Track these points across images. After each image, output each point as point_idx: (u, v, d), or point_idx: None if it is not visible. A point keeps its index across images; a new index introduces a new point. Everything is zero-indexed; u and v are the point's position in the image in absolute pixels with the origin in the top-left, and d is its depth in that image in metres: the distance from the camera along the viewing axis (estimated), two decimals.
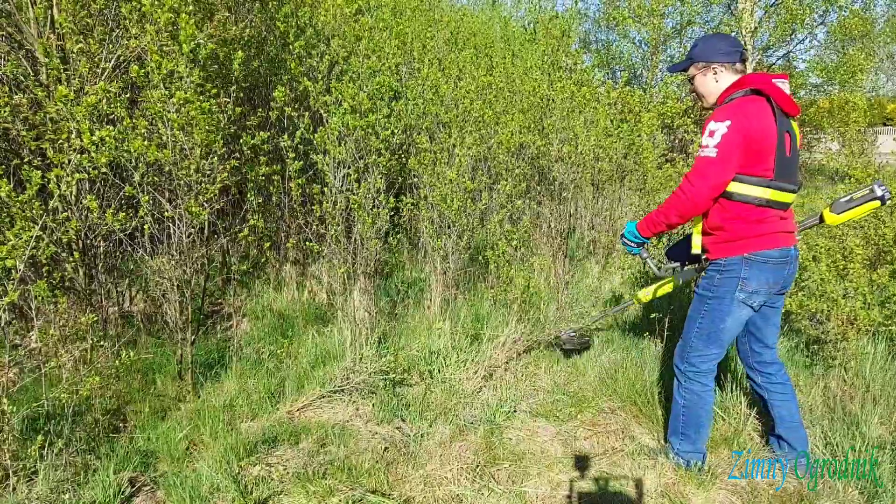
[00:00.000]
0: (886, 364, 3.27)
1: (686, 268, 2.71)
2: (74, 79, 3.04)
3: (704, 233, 2.36)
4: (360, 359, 3.26)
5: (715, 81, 2.36)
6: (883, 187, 2.37)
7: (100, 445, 2.54)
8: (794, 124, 2.33)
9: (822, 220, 2.51)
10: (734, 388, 3.03)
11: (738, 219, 2.24)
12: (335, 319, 3.74)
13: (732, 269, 2.28)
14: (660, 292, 2.94)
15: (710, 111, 2.33)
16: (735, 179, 2.19)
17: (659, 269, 2.78)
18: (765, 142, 2.16)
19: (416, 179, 4.50)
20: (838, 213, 2.44)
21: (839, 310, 3.24)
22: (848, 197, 2.44)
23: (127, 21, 3.10)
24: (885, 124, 18.96)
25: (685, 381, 2.46)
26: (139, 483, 2.40)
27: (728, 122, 2.14)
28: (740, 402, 2.90)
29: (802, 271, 3.52)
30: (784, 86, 2.23)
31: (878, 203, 2.39)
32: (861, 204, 2.40)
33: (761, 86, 2.22)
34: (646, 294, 2.98)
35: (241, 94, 4.44)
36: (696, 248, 2.40)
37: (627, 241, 2.61)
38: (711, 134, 2.17)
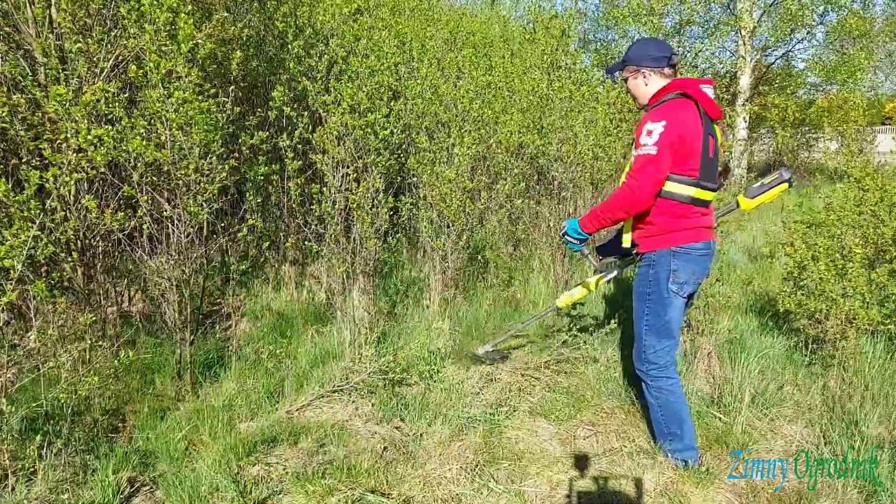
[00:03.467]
0: (885, 363, 3.27)
1: (619, 262, 2.88)
2: (73, 78, 3.04)
3: (634, 227, 2.51)
4: (360, 358, 3.26)
5: (645, 84, 2.51)
6: (789, 172, 2.59)
7: (99, 445, 2.54)
8: (717, 128, 2.48)
9: (738, 205, 2.69)
10: (726, 385, 3.03)
11: (665, 214, 2.39)
12: (334, 319, 3.74)
13: (662, 261, 2.42)
14: (576, 299, 3.08)
15: (644, 111, 2.51)
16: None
17: (599, 263, 2.90)
18: (693, 143, 2.31)
19: (415, 179, 4.50)
20: (752, 198, 2.62)
21: (838, 309, 3.24)
22: (759, 183, 2.62)
23: (125, 21, 3.09)
24: (883, 123, 18.97)
25: (651, 381, 2.53)
26: (138, 483, 2.40)
27: (664, 122, 2.28)
28: (736, 400, 2.90)
29: (801, 271, 3.52)
30: (709, 90, 2.40)
31: (786, 185, 2.59)
32: (772, 188, 2.60)
33: (689, 90, 2.37)
34: (565, 300, 3.09)
35: (240, 94, 4.43)
36: (626, 243, 2.55)
37: (570, 239, 2.68)
38: (649, 133, 2.30)
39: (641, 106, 2.57)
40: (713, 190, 2.42)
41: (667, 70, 2.47)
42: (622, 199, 2.37)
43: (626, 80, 2.58)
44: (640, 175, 2.31)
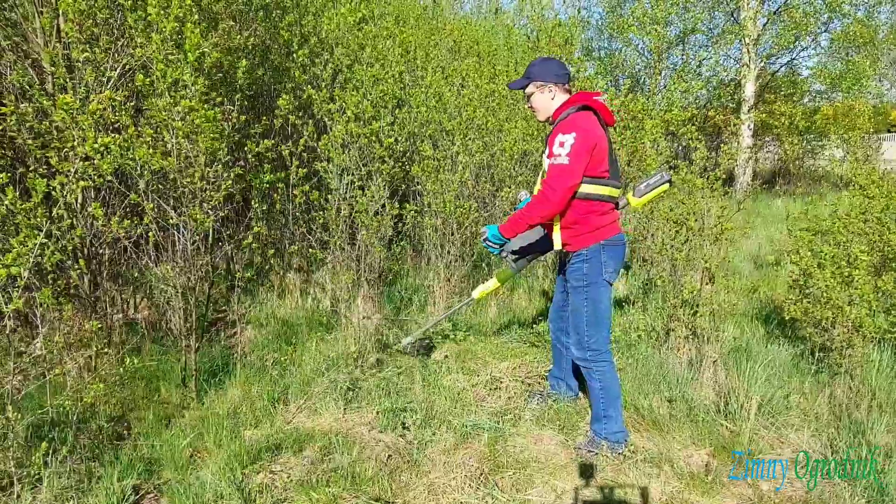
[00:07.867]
0: (892, 371, 3.25)
1: (529, 257, 3.06)
2: (80, 87, 3.07)
3: (564, 228, 2.67)
4: (365, 366, 3.26)
5: (551, 99, 2.72)
6: (669, 174, 2.80)
7: (104, 453, 2.54)
8: (609, 131, 2.72)
9: (628, 202, 2.86)
10: (732, 393, 3.02)
11: (590, 213, 2.61)
12: (339, 326, 3.74)
13: (594, 256, 2.64)
14: (490, 290, 3.22)
15: (552, 125, 2.67)
16: (583, 181, 2.54)
17: (515, 263, 3.04)
18: (601, 147, 2.55)
19: (419, 186, 4.51)
20: (639, 197, 2.81)
21: (844, 317, 3.22)
22: (645, 183, 2.81)
23: (132, 30, 3.13)
24: (889, 131, 18.89)
25: (594, 366, 2.73)
26: (143, 490, 2.40)
27: (574, 134, 2.48)
28: (742, 409, 2.88)
29: (807, 278, 3.51)
30: (603, 100, 2.66)
31: (667, 185, 2.80)
32: (656, 187, 2.79)
33: (589, 102, 2.61)
34: (480, 292, 3.21)
35: (246, 103, 4.46)
36: (557, 245, 2.71)
37: (490, 243, 2.85)
38: (562, 144, 2.50)
39: (544, 119, 2.77)
40: (619, 187, 2.69)
41: (567, 85, 2.72)
42: (539, 206, 2.57)
43: (529, 95, 2.76)
44: (554, 183, 2.51)
